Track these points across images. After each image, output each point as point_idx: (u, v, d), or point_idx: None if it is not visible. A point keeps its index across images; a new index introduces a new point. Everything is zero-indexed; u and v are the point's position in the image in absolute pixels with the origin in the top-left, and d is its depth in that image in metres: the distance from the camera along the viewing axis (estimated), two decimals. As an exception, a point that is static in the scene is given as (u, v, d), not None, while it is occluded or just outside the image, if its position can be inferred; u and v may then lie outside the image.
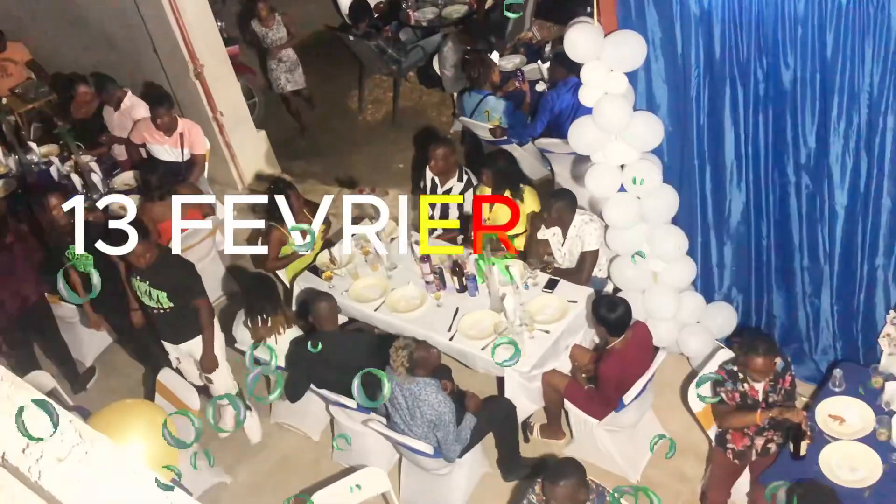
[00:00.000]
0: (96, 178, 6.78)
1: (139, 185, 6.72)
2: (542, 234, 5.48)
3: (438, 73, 8.04)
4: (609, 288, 5.42)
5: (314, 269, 5.74)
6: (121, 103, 7.25)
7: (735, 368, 4.13)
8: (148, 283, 5.11)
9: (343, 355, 4.79)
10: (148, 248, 4.98)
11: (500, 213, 5.73)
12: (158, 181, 6.10)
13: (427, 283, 5.38)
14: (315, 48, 9.90)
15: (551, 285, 5.25)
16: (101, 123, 7.45)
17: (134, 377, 6.25)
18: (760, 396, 4.15)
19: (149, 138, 6.91)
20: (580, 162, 5.71)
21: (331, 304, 5.00)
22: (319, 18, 10.02)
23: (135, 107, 7.21)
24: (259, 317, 5.06)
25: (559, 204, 5.28)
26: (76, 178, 6.82)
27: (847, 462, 4.03)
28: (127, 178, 7.01)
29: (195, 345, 5.29)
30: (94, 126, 7.47)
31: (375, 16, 8.90)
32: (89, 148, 7.27)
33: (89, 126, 7.53)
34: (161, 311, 5.19)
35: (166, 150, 6.83)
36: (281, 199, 5.62)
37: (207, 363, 5.27)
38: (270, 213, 5.72)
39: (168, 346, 5.42)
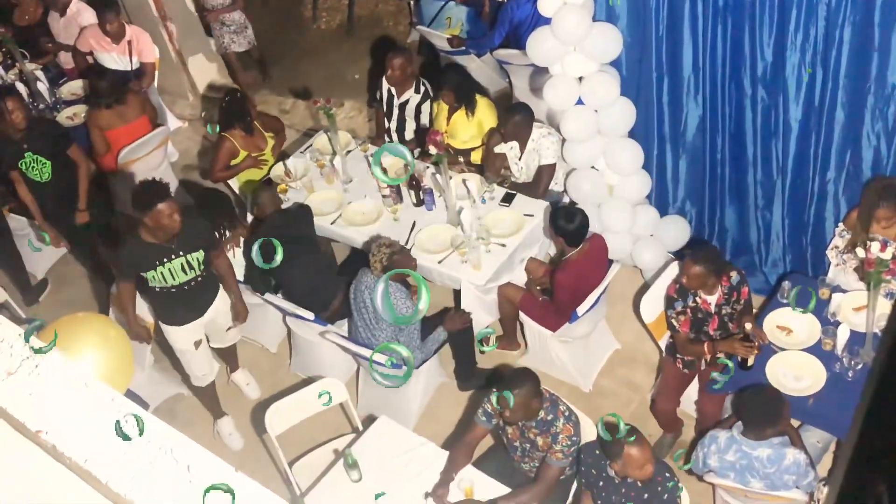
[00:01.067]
0: (42, 87, 6.58)
1: (87, 94, 6.53)
2: (500, 148, 5.45)
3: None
4: (565, 200, 5.44)
5: (268, 183, 5.66)
6: (66, 9, 6.98)
7: (684, 281, 4.21)
8: (182, 251, 4.40)
9: (291, 229, 4.85)
10: (174, 207, 4.23)
11: (459, 127, 5.69)
12: (107, 88, 5.95)
13: (384, 196, 5.36)
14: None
15: (508, 199, 5.27)
16: (46, 30, 7.17)
17: (87, 290, 6.21)
18: (713, 309, 4.24)
19: (96, 46, 6.67)
20: (539, 74, 5.66)
21: (271, 192, 5.06)
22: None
23: (81, 13, 6.93)
24: (217, 231, 5.02)
25: (517, 118, 5.25)
26: (21, 87, 6.58)
27: (793, 371, 4.16)
28: (74, 87, 6.81)
29: (220, 301, 4.74)
30: (39, 33, 7.18)
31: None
32: (34, 56, 7.02)
33: (34, 33, 7.24)
34: (196, 280, 4.51)
35: (114, 59, 6.61)
36: (236, 110, 5.55)
37: (243, 310, 4.79)
38: (223, 123, 5.62)
39: (191, 326, 4.67)
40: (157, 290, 4.46)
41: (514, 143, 5.41)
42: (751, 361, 4.10)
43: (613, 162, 5.10)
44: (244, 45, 7.62)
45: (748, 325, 4.09)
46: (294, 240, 4.80)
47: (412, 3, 7.78)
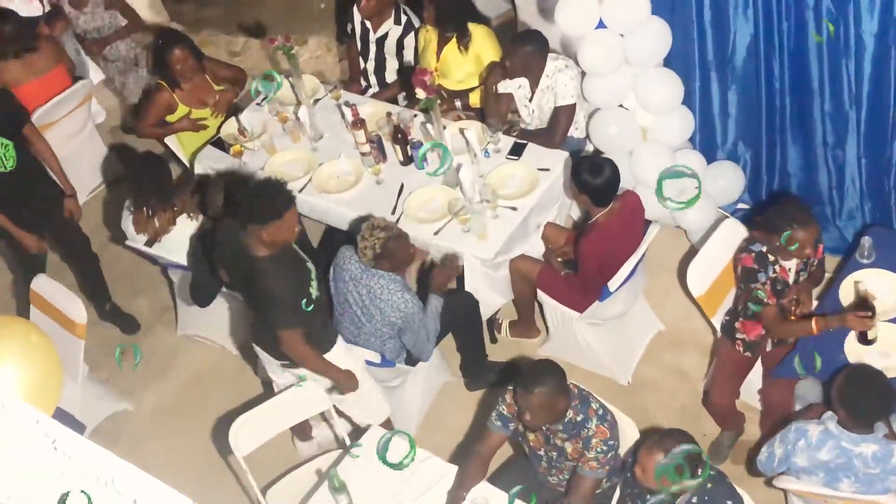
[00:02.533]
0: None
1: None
2: (505, 87, 5.45)
3: None
4: (589, 149, 5.46)
5: (219, 143, 5.68)
6: None
7: (764, 249, 4.19)
8: (305, 253, 4.42)
9: None
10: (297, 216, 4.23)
11: (452, 62, 5.69)
12: (12, 32, 5.93)
13: (363, 154, 5.37)
14: None
15: (517, 151, 5.27)
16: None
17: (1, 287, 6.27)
18: (791, 278, 4.26)
19: None
20: (548, -8, 5.64)
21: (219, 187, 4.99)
22: None
23: None
24: (145, 208, 5.02)
25: (525, 48, 5.24)
26: None
27: (877, 346, 4.18)
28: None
29: None
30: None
31: None
32: None
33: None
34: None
35: (16, 4, 6.57)
36: (174, 54, 5.55)
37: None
38: (158, 70, 5.62)
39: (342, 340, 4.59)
40: (310, 310, 4.24)
41: (523, 81, 5.40)
42: (872, 335, 4.10)
43: (646, 98, 5.10)
44: (145, 83, 6.76)
45: (862, 288, 4.09)
46: None
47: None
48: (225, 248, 4.43)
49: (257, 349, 4.60)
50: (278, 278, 4.08)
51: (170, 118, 5.72)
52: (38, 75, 6.05)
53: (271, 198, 4.02)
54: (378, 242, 4.41)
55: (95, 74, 6.87)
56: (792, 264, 4.22)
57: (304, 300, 4.12)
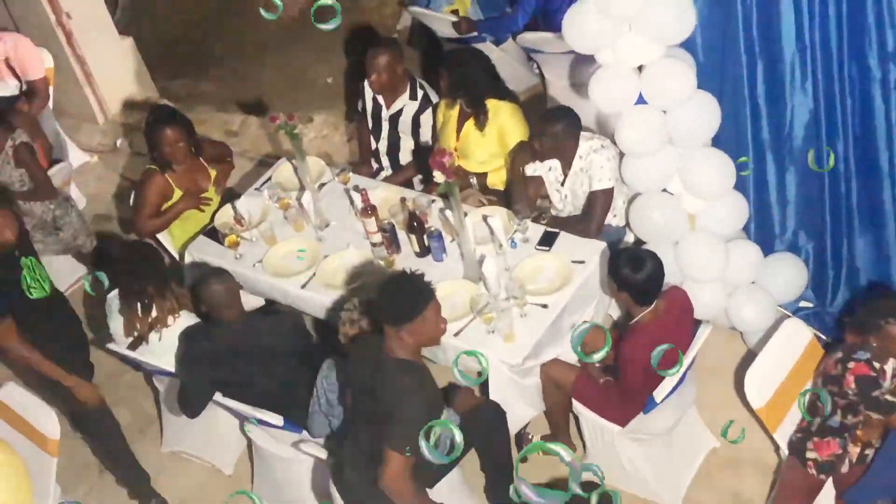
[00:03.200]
0: None
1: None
2: (534, 169, 5.45)
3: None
4: (629, 240, 5.42)
5: (212, 233, 5.66)
6: None
7: (868, 356, 4.19)
8: None
9: (256, 346, 4.80)
10: None
11: (473, 141, 5.70)
12: None
13: (374, 245, 5.35)
14: None
15: (548, 240, 5.24)
16: None
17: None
18: (888, 383, 4.25)
19: None
20: (581, 65, 5.67)
21: (227, 286, 4.88)
22: None
23: None
24: (138, 303, 4.99)
25: (556, 127, 5.24)
26: None
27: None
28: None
29: None
30: None
31: None
32: None
33: None
34: None
35: None
36: (168, 134, 5.57)
37: None
38: (150, 153, 5.65)
39: None
40: None
41: (555, 162, 5.40)
42: None
43: (693, 181, 5.07)
44: (63, 246, 6.43)
45: None
46: (265, 354, 4.79)
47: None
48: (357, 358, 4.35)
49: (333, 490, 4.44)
50: (413, 389, 3.98)
51: (166, 205, 5.73)
52: (10, 157, 6.09)
53: (409, 294, 4.01)
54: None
55: (76, 157, 6.93)
56: (890, 366, 4.23)
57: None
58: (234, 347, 4.72)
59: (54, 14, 7.42)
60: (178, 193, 5.74)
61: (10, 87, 6.71)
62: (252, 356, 4.77)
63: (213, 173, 5.84)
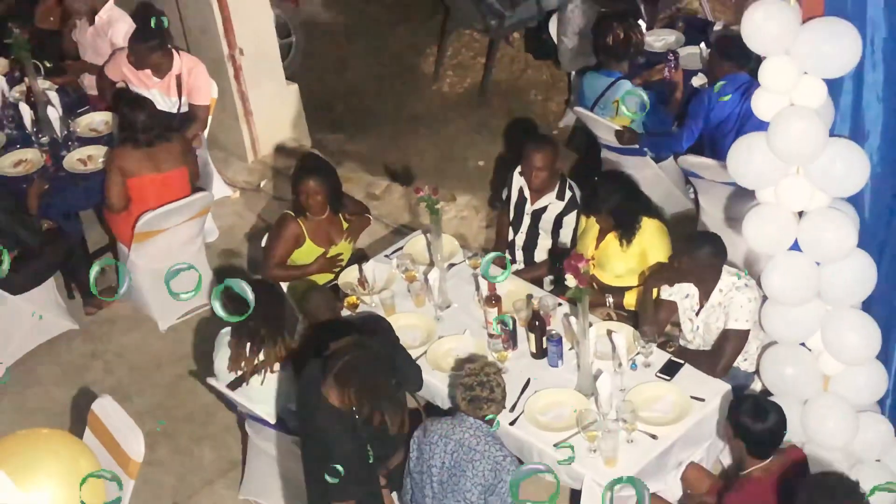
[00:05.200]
0: (53, 113, 6.87)
1: (111, 132, 6.80)
2: (669, 293, 5.36)
3: (555, 40, 7.99)
4: (756, 387, 5.27)
5: (334, 290, 5.71)
6: (95, 16, 7.33)
7: None
8: None
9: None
10: None
11: (612, 253, 5.65)
12: (145, 123, 6.19)
13: (490, 336, 5.31)
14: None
15: (670, 370, 5.15)
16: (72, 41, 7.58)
17: (60, 397, 6.33)
18: None
19: (131, 77, 6.99)
20: (740, 197, 5.58)
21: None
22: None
23: (114, 23, 7.29)
24: (248, 341, 5.02)
25: (701, 253, 5.17)
26: (25, 110, 6.93)
27: None
28: (96, 120, 7.12)
29: None
30: (62, 43, 7.58)
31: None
32: (52, 72, 7.38)
33: (57, 42, 7.64)
34: None
35: (155, 97, 6.88)
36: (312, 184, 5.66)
37: None
38: (293, 200, 5.75)
39: None
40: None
41: (692, 290, 5.31)
42: None
43: (835, 342, 4.90)
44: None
45: None
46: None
47: (573, 74, 7.89)
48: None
49: None
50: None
51: (297, 253, 5.80)
52: (158, 171, 6.25)
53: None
54: (494, 382, 4.52)
55: (219, 189, 7.07)
56: None
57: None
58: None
59: (228, 48, 7.63)
60: (308, 244, 5.81)
61: (169, 104, 6.93)
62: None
63: (346, 227, 5.90)
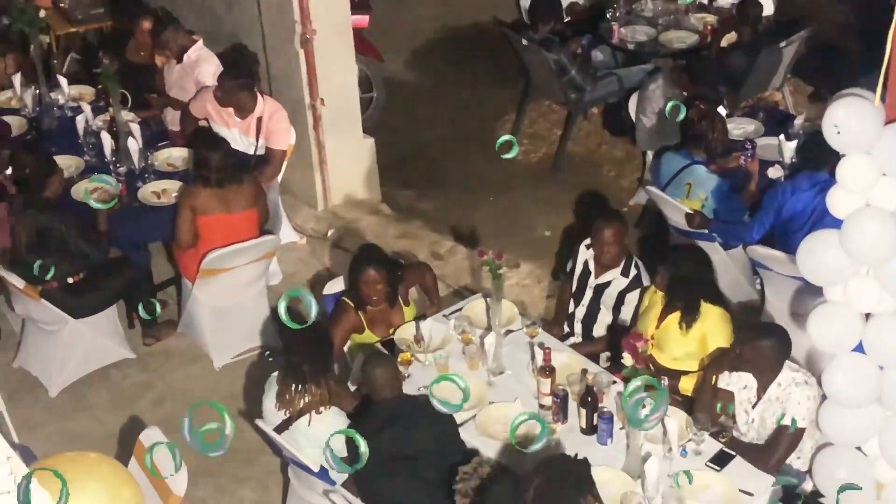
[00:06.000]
0: (133, 146, 7.00)
1: (188, 168, 6.92)
2: (727, 382, 5.31)
3: (633, 118, 8.02)
4: (807, 487, 5.18)
5: (389, 344, 5.74)
6: (183, 55, 7.51)
7: None
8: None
9: (414, 436, 4.90)
10: None
11: (672, 335, 5.62)
12: (219, 163, 6.30)
13: (541, 406, 5.29)
14: (471, 45, 10.08)
15: (721, 461, 5.08)
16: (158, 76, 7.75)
17: (109, 424, 6.40)
18: None
19: (214, 115, 7.12)
20: (807, 293, 5.52)
21: (389, 370, 5.08)
22: (490, 4, 10.21)
23: (201, 63, 7.45)
24: (294, 380, 5.07)
25: (763, 343, 5.11)
26: (106, 139, 7.07)
27: None
28: (174, 155, 7.24)
29: None
30: (149, 77, 7.75)
31: (566, 20, 8.99)
32: (136, 105, 7.56)
33: (146, 76, 7.82)
34: None
35: (234, 136, 7.02)
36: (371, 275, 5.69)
37: None
38: (350, 284, 5.80)
39: None
40: None
41: (750, 381, 5.25)
42: None
43: (892, 449, 4.81)
44: None
45: None
46: (411, 456, 4.86)
47: (648, 153, 7.91)
48: None
49: None
50: None
51: (355, 336, 5.86)
52: (228, 211, 6.34)
53: None
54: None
55: (286, 234, 7.15)
56: None
57: None
58: (394, 420, 4.88)
59: (310, 97, 7.75)
60: (367, 333, 5.85)
61: (247, 144, 7.06)
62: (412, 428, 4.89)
63: (409, 315, 5.92)
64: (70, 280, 6.30)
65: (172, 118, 7.59)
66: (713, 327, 5.56)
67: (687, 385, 5.59)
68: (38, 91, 7.68)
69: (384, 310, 5.83)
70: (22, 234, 6.20)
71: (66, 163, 6.91)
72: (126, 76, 7.49)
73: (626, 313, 5.96)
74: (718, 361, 5.36)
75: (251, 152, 7.07)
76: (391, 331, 5.83)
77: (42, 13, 8.13)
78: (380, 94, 9.02)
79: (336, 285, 6.19)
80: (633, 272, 5.97)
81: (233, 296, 6.57)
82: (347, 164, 8.16)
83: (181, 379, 6.71)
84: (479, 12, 10.38)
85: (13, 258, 6.31)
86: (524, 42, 8.56)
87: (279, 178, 7.26)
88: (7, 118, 7.55)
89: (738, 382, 5.29)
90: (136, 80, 7.65)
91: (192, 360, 6.81)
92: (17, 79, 7.75)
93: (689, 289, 5.59)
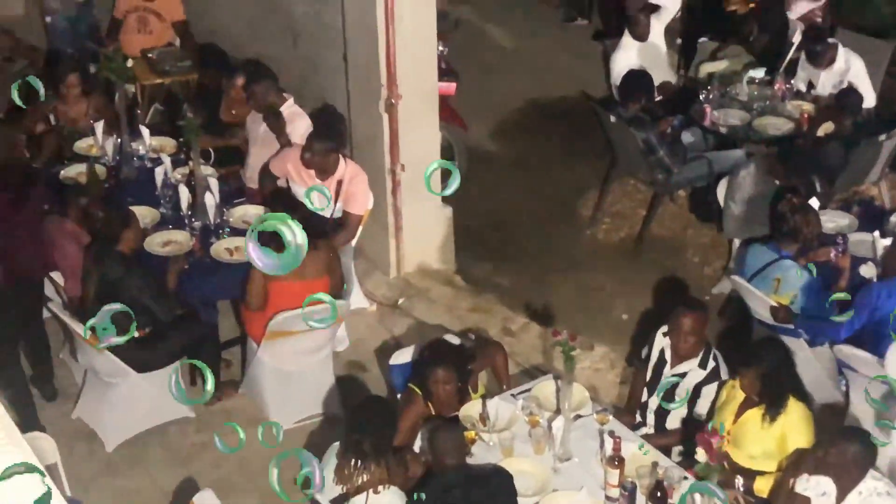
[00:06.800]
0: (210, 200, 7.10)
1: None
2: (804, 486, 5.19)
3: (721, 204, 7.98)
4: None
5: (453, 423, 5.69)
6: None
7: None
8: None
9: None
10: None
11: (750, 432, 5.55)
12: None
13: (608, 498, 5.23)
14: (557, 118, 10.13)
15: (793, 568, 4.94)
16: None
17: (164, 483, 6.44)
18: None
19: (294, 175, 7.19)
20: (894, 399, 5.42)
21: (456, 438, 5.11)
22: (579, 78, 10.27)
23: (293, 120, 7.57)
24: (354, 456, 5.06)
25: (851, 448, 5.01)
26: (184, 193, 7.21)
27: None
28: (249, 213, 7.31)
29: None
30: (234, 131, 7.92)
31: (656, 98, 9.00)
32: (217, 159, 7.70)
33: (229, 131, 7.99)
34: None
35: (317, 197, 7.07)
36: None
37: None
38: (418, 380, 5.79)
39: None
40: None
41: (830, 487, 5.12)
42: None
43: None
44: None
45: None
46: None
47: (735, 241, 7.84)
48: None
49: None
50: None
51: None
52: (300, 278, 6.33)
53: None
54: None
55: (356, 300, 7.18)
56: None
57: None
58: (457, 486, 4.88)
59: (391, 162, 7.81)
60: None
61: (325, 205, 7.08)
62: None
63: (477, 397, 5.89)
64: (136, 334, 6.34)
65: (251, 175, 7.70)
66: (795, 426, 5.47)
67: (763, 486, 5.49)
68: (119, 140, 7.82)
69: (454, 402, 5.80)
70: (91, 285, 6.32)
71: (142, 213, 7.01)
72: (210, 130, 7.65)
73: (702, 406, 5.88)
74: (798, 463, 5.25)
75: (328, 215, 7.13)
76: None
77: (129, 62, 8.34)
78: (461, 163, 9.07)
79: (404, 356, 6.20)
80: (711, 364, 5.90)
81: (298, 360, 6.60)
82: (424, 231, 8.20)
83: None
84: (568, 86, 10.47)
85: (81, 307, 6.43)
86: (613, 119, 8.58)
87: (353, 242, 7.31)
88: (84, 166, 7.68)
89: (816, 488, 5.17)
90: (218, 134, 7.82)
91: (252, 422, 6.81)
92: (99, 126, 7.91)
93: (777, 379, 5.51)
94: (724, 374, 5.89)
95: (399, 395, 6.02)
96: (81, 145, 7.99)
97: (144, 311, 6.30)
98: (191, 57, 9.38)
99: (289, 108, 7.64)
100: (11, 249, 6.36)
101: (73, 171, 7.65)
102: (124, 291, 6.19)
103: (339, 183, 7.09)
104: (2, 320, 6.47)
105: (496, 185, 9.50)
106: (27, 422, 6.40)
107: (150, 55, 9.39)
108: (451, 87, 8.71)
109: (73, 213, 6.83)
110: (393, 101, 7.64)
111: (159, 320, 6.42)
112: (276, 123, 7.47)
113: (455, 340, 6.15)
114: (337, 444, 5.26)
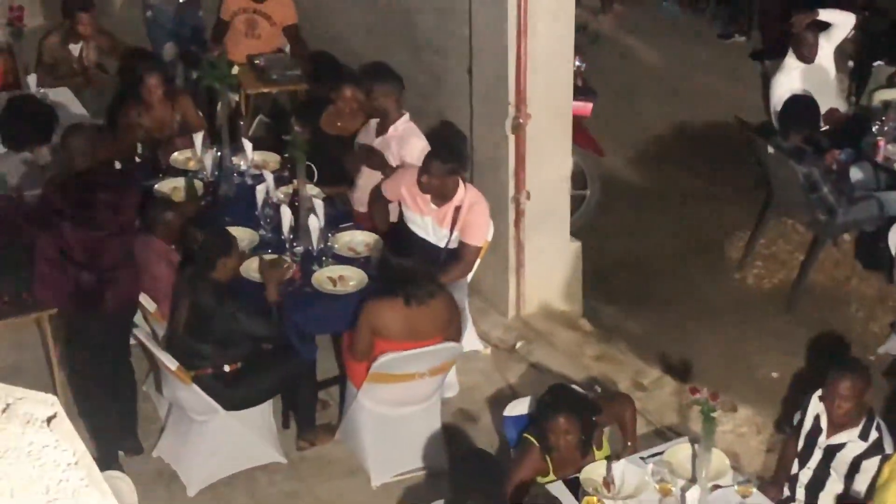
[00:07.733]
0: (314, 224, 7.12)
1: (370, 255, 7.01)
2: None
3: (892, 251, 7.82)
4: None
5: (573, 485, 5.65)
6: (390, 126, 7.60)
7: None
8: None
9: None
10: None
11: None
12: (411, 274, 6.32)
13: (745, 583, 5.12)
14: (707, 146, 10.04)
15: None
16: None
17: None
18: None
19: (408, 199, 7.15)
20: None
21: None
22: (733, 103, 10.17)
23: (408, 138, 7.51)
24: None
25: None
26: (286, 214, 7.24)
27: None
28: (356, 240, 7.30)
29: None
30: (342, 150, 7.97)
31: (822, 128, 8.86)
32: (325, 180, 7.72)
33: (337, 149, 8.04)
34: None
35: (426, 226, 7.09)
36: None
37: None
38: (537, 429, 5.76)
39: None
40: None
41: None
42: None
43: None
44: None
45: None
46: None
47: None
48: None
49: None
50: None
51: (540, 479, 5.80)
52: (413, 338, 6.34)
53: None
54: None
55: (468, 342, 7.15)
56: None
57: None
58: None
59: (515, 190, 7.80)
60: (552, 476, 5.80)
61: (440, 236, 7.05)
62: None
63: (602, 455, 5.85)
64: (227, 368, 6.41)
65: (360, 197, 7.68)
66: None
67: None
68: (219, 153, 7.89)
69: (575, 455, 5.76)
70: (182, 313, 6.37)
71: (240, 235, 6.99)
72: (317, 147, 7.70)
73: (861, 483, 5.76)
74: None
75: (442, 245, 7.09)
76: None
77: (235, 69, 8.33)
78: (594, 193, 9.05)
79: (519, 406, 6.17)
80: (873, 435, 5.78)
81: (402, 406, 6.59)
82: (548, 268, 8.17)
83: (332, 493, 6.73)
84: (720, 111, 10.37)
85: (169, 336, 6.52)
86: (770, 150, 8.49)
87: (469, 276, 7.29)
88: (181, 180, 7.80)
89: None
90: (327, 153, 7.85)
91: (347, 472, 6.84)
92: (198, 138, 8.02)
93: None
94: (888, 448, 5.77)
95: (511, 450, 5.99)
96: (179, 158, 8.09)
97: (238, 344, 6.36)
98: (301, 65, 9.48)
99: (404, 123, 7.57)
100: (121, 269, 6.48)
101: (168, 186, 7.74)
102: (217, 323, 6.26)
103: (457, 210, 7.02)
104: (100, 348, 6.59)
105: (632, 220, 9.48)
106: (106, 458, 6.51)
107: (257, 61, 9.50)
108: (587, 107, 8.68)
109: (161, 230, 6.85)
110: (521, 120, 7.63)
111: (252, 355, 6.46)
112: (375, 160, 7.47)
113: (578, 391, 6.10)
114: (440, 502, 5.26)
